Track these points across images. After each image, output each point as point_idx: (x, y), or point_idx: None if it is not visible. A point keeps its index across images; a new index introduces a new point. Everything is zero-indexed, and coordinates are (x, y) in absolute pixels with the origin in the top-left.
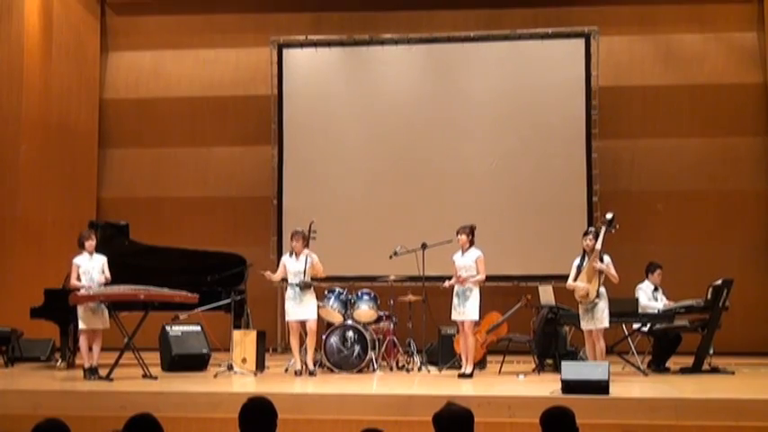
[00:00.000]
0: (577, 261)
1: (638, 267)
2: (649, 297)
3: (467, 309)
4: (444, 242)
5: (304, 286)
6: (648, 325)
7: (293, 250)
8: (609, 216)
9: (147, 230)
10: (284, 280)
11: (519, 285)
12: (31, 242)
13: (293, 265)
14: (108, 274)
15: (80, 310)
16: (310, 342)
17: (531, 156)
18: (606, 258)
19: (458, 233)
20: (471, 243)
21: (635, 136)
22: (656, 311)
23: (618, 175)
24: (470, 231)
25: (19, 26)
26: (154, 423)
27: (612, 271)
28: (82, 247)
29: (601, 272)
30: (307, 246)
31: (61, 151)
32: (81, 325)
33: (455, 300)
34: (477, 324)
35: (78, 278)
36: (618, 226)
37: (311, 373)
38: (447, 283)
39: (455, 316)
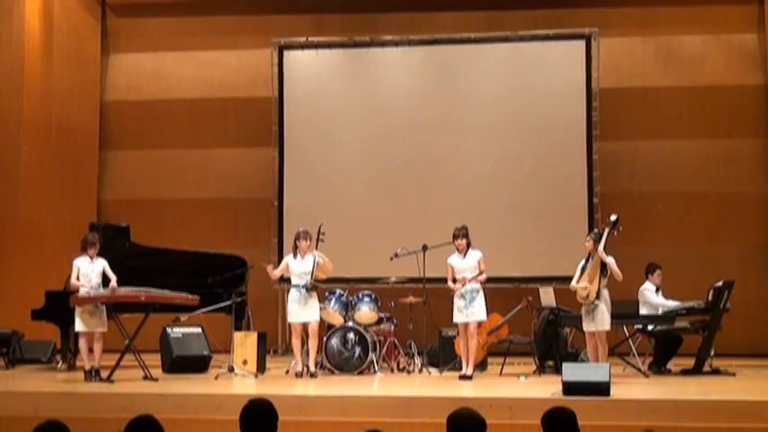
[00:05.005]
0: (582, 263)
1: (639, 269)
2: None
3: (474, 309)
4: (445, 244)
5: (311, 288)
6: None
7: (298, 250)
8: (613, 218)
9: (148, 232)
10: (286, 280)
11: (520, 287)
12: (32, 244)
13: (298, 266)
14: (114, 277)
15: (78, 312)
16: (312, 344)
17: (531, 157)
18: (610, 259)
19: (456, 237)
20: (469, 244)
21: (636, 137)
22: (666, 308)
23: (618, 177)
24: (467, 233)
25: (20, 28)
26: (155, 425)
27: (616, 268)
28: (84, 250)
29: (602, 273)
30: (316, 247)
31: (62, 153)
32: (79, 327)
33: (460, 302)
34: (479, 325)
35: (78, 279)
36: (621, 228)
37: (312, 375)
38: (456, 288)
39: (460, 318)
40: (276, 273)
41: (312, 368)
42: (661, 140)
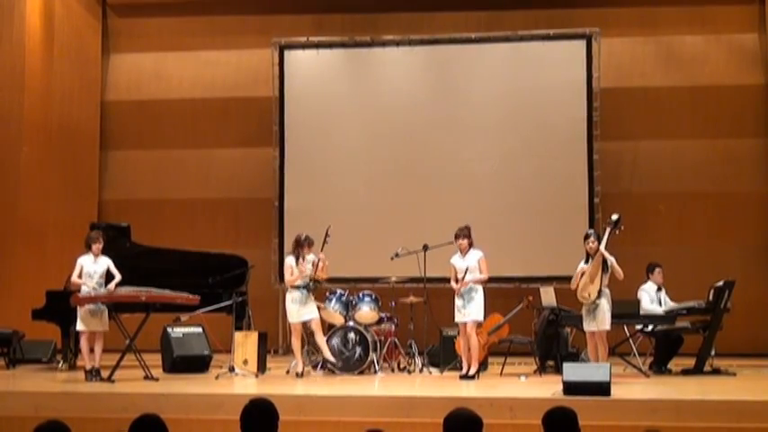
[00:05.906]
0: (582, 264)
1: (640, 268)
2: (652, 299)
3: (471, 309)
4: (446, 243)
5: (313, 288)
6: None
7: (301, 253)
8: (614, 217)
9: (149, 232)
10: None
11: (520, 287)
12: (33, 244)
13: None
14: (118, 275)
15: (79, 311)
16: (320, 338)
17: (532, 157)
18: (611, 259)
19: (458, 237)
20: (470, 245)
21: (636, 137)
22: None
23: (619, 177)
24: (469, 233)
25: (20, 28)
26: (159, 423)
27: (617, 266)
28: (88, 248)
29: (603, 273)
30: (321, 249)
31: (63, 153)
32: (80, 327)
33: (459, 302)
34: (479, 325)
35: (80, 276)
36: (623, 227)
37: (333, 365)
38: (456, 287)
39: (459, 318)
40: (294, 280)
41: (331, 359)
42: (661, 140)
